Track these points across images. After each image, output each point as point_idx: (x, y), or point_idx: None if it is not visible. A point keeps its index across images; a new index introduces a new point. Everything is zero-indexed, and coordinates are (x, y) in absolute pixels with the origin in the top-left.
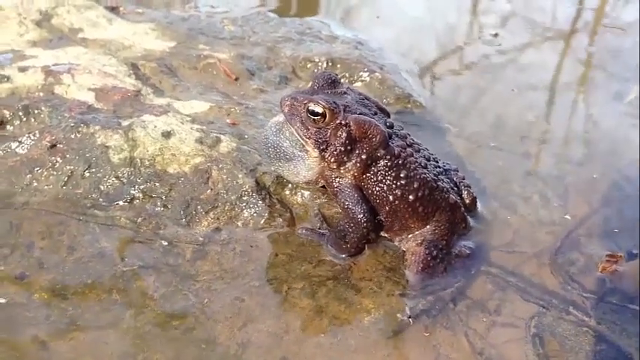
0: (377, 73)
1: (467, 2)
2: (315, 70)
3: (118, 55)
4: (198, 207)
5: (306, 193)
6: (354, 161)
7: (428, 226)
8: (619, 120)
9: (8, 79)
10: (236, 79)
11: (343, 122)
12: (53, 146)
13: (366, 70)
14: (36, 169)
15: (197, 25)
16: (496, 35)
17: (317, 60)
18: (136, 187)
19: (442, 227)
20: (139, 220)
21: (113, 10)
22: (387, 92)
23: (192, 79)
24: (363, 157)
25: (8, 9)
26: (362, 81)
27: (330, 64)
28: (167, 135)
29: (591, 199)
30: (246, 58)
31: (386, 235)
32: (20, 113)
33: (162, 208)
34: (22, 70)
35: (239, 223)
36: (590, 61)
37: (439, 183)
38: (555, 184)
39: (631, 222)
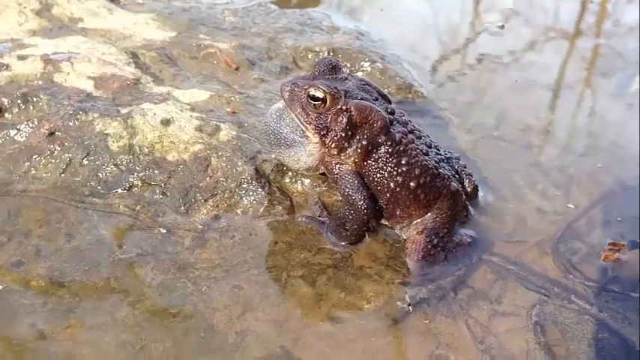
0: (378, 63)
1: None
2: (316, 60)
3: (118, 45)
4: (198, 195)
5: (307, 181)
6: (354, 147)
7: (429, 214)
8: (622, 112)
9: (7, 67)
10: (236, 69)
11: (344, 107)
12: (52, 134)
13: (367, 60)
14: (34, 156)
15: (198, 15)
16: (502, 27)
17: (318, 50)
18: (135, 174)
19: (443, 215)
20: (138, 207)
21: (113, 0)
22: (389, 82)
23: (192, 68)
24: (364, 143)
25: None
26: (363, 71)
27: (331, 53)
28: (166, 123)
29: (594, 189)
30: (246, 48)
31: (386, 223)
32: (19, 101)
33: (161, 196)
34: (22, 58)
35: (238, 211)
36: (594, 55)
37: (440, 170)
38: (558, 174)
39: (634, 211)
